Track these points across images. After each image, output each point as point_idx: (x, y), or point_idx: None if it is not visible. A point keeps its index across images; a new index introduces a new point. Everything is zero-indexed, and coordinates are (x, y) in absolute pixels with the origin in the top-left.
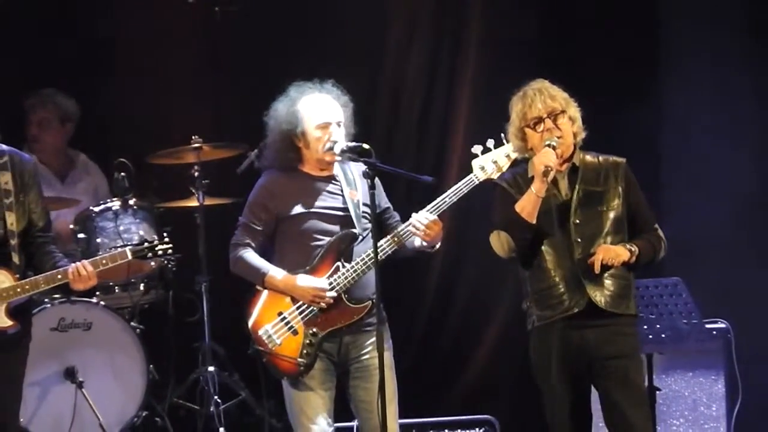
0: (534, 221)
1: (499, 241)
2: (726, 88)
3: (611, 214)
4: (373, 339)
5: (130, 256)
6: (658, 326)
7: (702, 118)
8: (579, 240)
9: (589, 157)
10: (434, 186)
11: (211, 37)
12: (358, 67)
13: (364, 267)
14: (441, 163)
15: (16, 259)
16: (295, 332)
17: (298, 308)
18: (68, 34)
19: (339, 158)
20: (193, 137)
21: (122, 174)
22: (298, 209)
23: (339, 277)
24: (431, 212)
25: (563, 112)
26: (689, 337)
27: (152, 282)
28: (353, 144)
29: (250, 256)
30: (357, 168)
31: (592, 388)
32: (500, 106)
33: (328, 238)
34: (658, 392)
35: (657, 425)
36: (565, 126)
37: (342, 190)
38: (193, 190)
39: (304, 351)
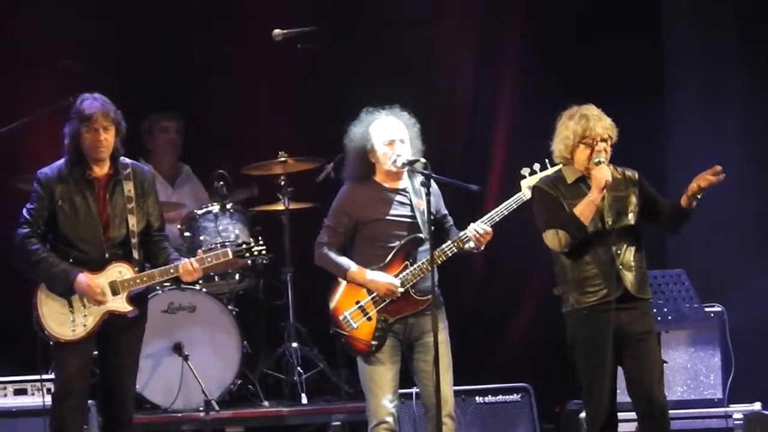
0: (588, 223)
1: (557, 238)
2: (727, 89)
3: (631, 216)
4: (430, 320)
5: (231, 255)
6: (665, 309)
7: (704, 119)
8: (614, 238)
9: (611, 168)
10: (479, 194)
11: (294, 69)
12: (413, 89)
13: (428, 266)
14: (484, 174)
15: (136, 254)
16: (369, 318)
17: (372, 298)
18: (176, 66)
19: (401, 169)
20: (279, 152)
21: (221, 182)
22: (373, 216)
23: (407, 274)
24: (485, 223)
25: (610, 137)
26: (690, 318)
27: (246, 272)
28: (412, 158)
29: (333, 254)
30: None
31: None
32: (533, 126)
33: (398, 241)
34: (665, 364)
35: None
36: (608, 148)
37: (411, 200)
38: (280, 197)
39: (376, 334)
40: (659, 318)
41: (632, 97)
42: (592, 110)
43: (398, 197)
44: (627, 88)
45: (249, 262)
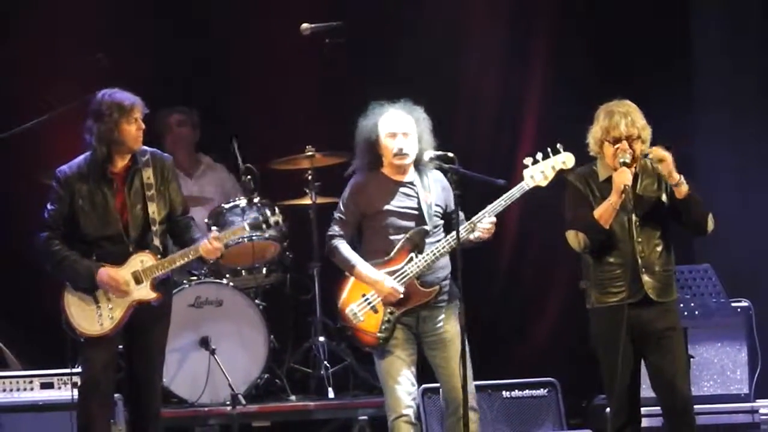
0: (608, 227)
1: (577, 239)
2: (753, 76)
3: (658, 216)
4: (443, 313)
5: (247, 229)
6: (692, 305)
7: (732, 108)
8: (639, 240)
9: (644, 164)
10: (506, 188)
11: (322, 64)
12: (442, 81)
13: (433, 258)
14: (510, 168)
15: (157, 242)
16: (376, 311)
17: None
18: (204, 62)
19: (428, 163)
20: (307, 147)
21: (248, 177)
22: (379, 207)
23: (412, 265)
24: (489, 214)
25: (639, 137)
26: (717, 313)
27: (273, 266)
28: (440, 153)
29: (343, 247)
30: (433, 174)
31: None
32: (562, 118)
33: (404, 233)
34: (691, 359)
35: (691, 387)
36: (637, 148)
37: (417, 193)
38: (307, 191)
39: (383, 327)
40: (686, 313)
41: (660, 83)
42: (621, 107)
43: (404, 189)
44: (654, 75)
45: (271, 247)
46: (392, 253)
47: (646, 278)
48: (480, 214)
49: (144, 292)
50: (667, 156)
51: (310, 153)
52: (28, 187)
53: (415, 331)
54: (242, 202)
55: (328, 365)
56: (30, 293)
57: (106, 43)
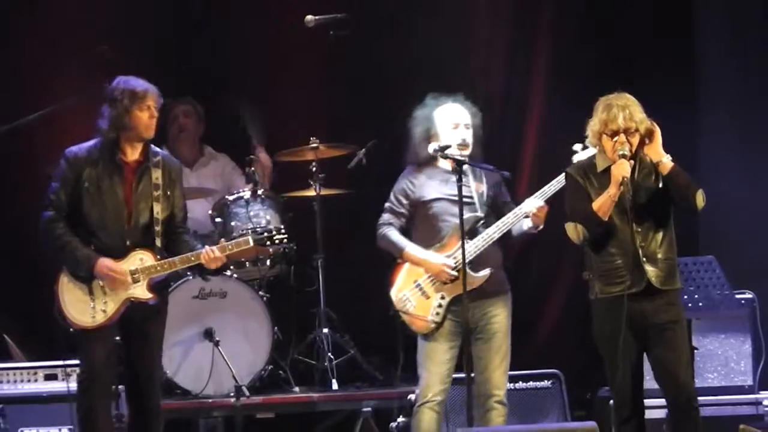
0: (606, 219)
1: (575, 231)
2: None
3: (658, 205)
4: (495, 305)
5: (251, 243)
6: (696, 296)
7: (738, 102)
8: (639, 230)
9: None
10: (510, 180)
11: (327, 56)
12: (445, 75)
13: (483, 244)
14: (516, 161)
15: (158, 242)
16: (427, 296)
17: (429, 277)
18: (207, 53)
19: (435, 155)
20: (311, 138)
21: (252, 169)
22: (431, 195)
23: (463, 252)
24: (538, 198)
25: (637, 130)
26: (721, 305)
27: (277, 258)
28: (444, 144)
29: (393, 234)
30: (484, 166)
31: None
32: (566, 111)
33: (455, 220)
34: (696, 351)
35: (695, 378)
36: (635, 141)
37: (470, 183)
38: (311, 183)
39: (435, 312)
40: (690, 305)
41: (663, 80)
42: (620, 100)
43: (456, 178)
44: (658, 71)
45: (271, 250)
46: (443, 239)
47: (648, 267)
48: (528, 199)
49: (140, 291)
50: (656, 129)
51: (314, 144)
52: (33, 179)
53: (463, 323)
54: (246, 193)
55: (332, 357)
56: (34, 284)
57: (109, 36)
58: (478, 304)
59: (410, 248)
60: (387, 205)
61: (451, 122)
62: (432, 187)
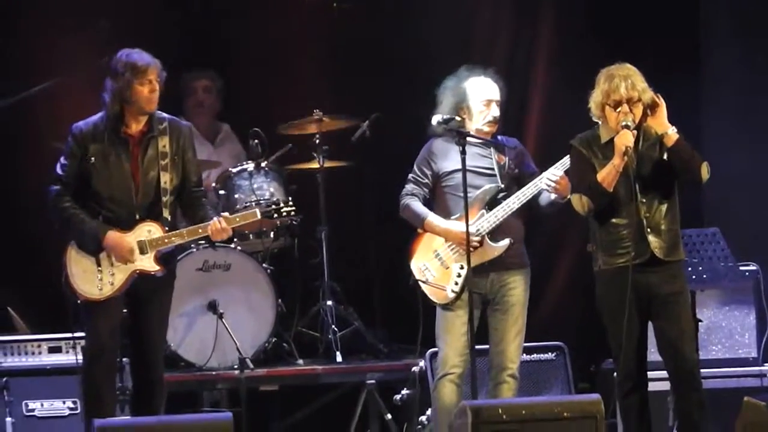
0: (611, 190)
1: (581, 203)
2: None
3: (662, 176)
4: (514, 278)
5: (259, 216)
6: (700, 268)
7: (741, 82)
8: (644, 201)
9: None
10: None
11: (330, 28)
12: (449, 47)
13: (503, 214)
14: (519, 134)
15: (166, 214)
16: (447, 267)
17: (449, 246)
18: (212, 26)
19: (438, 128)
20: (315, 111)
21: (256, 141)
22: (453, 166)
23: (483, 221)
24: (558, 169)
25: (639, 100)
26: (725, 277)
27: (281, 230)
28: (448, 117)
29: (415, 204)
30: (508, 140)
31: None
32: (570, 86)
33: (476, 192)
34: (700, 323)
35: (699, 351)
36: (638, 111)
37: (492, 154)
38: (315, 155)
39: (454, 281)
40: (694, 277)
41: (668, 59)
42: (621, 70)
43: (479, 150)
44: (664, 49)
45: (278, 222)
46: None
47: (651, 238)
48: (548, 171)
49: (147, 263)
50: (661, 101)
51: (318, 117)
52: (35, 153)
53: (481, 293)
54: (250, 166)
55: (336, 329)
56: (39, 257)
57: (112, 6)
58: (497, 275)
59: (432, 218)
60: (410, 176)
61: (483, 98)
62: (454, 157)
